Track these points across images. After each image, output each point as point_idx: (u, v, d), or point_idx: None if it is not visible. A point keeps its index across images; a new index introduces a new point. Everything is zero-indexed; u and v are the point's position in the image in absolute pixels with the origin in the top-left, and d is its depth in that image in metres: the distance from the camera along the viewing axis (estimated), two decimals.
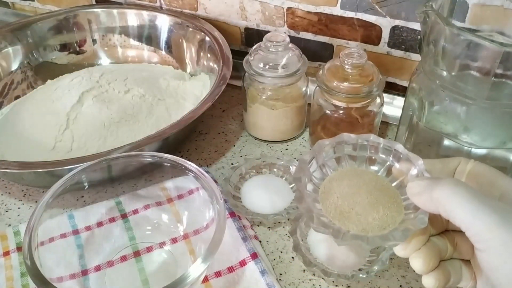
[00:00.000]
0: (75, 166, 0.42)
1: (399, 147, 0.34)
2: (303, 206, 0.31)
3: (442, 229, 0.31)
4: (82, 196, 0.45)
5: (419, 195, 0.29)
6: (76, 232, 0.44)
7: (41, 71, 0.66)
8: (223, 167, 0.55)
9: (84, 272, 0.42)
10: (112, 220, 0.46)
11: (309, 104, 0.57)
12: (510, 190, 0.29)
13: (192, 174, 0.42)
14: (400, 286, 0.42)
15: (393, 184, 0.34)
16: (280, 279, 0.43)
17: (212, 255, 0.35)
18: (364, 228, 0.30)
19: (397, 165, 0.34)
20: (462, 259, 0.31)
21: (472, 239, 0.27)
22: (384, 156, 0.35)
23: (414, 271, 0.30)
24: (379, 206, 0.31)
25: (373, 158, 0.35)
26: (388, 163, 0.35)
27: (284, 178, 0.51)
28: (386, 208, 0.31)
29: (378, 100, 0.51)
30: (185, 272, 0.34)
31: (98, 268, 0.42)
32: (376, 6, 0.55)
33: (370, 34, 0.58)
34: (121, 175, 0.45)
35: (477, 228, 0.26)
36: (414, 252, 0.30)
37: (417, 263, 0.29)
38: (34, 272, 0.34)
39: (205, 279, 0.41)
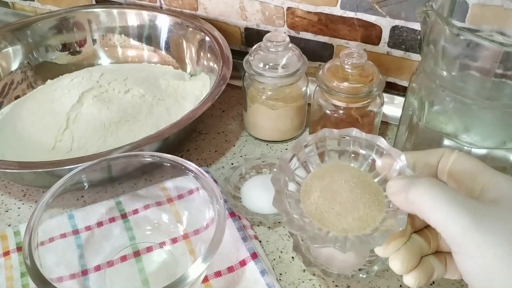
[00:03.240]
0: (75, 166, 0.42)
1: (382, 141, 0.33)
2: (280, 208, 0.31)
3: (425, 224, 0.31)
4: (82, 196, 0.45)
5: (396, 195, 0.29)
6: (76, 232, 0.44)
7: (41, 71, 0.66)
8: (223, 167, 0.55)
9: (84, 272, 0.42)
10: (112, 220, 0.46)
11: (309, 104, 0.56)
12: (490, 185, 0.28)
13: (192, 174, 0.42)
14: (400, 286, 0.42)
15: (377, 179, 0.33)
16: (280, 279, 0.43)
17: (212, 255, 0.35)
18: (344, 228, 0.30)
19: (379, 160, 0.33)
20: (448, 252, 0.30)
21: (447, 241, 0.26)
22: (367, 151, 0.34)
23: None
24: (360, 205, 0.31)
25: (357, 152, 0.34)
26: (371, 157, 0.34)
27: None
28: (367, 207, 0.31)
29: (378, 100, 0.51)
30: (185, 272, 0.34)
31: (98, 268, 0.42)
32: (376, 6, 0.55)
33: (370, 34, 0.58)
34: (121, 175, 0.45)
35: (451, 231, 0.25)
36: (393, 252, 0.29)
37: (395, 265, 0.29)
38: (34, 272, 0.34)
39: (205, 279, 0.41)
